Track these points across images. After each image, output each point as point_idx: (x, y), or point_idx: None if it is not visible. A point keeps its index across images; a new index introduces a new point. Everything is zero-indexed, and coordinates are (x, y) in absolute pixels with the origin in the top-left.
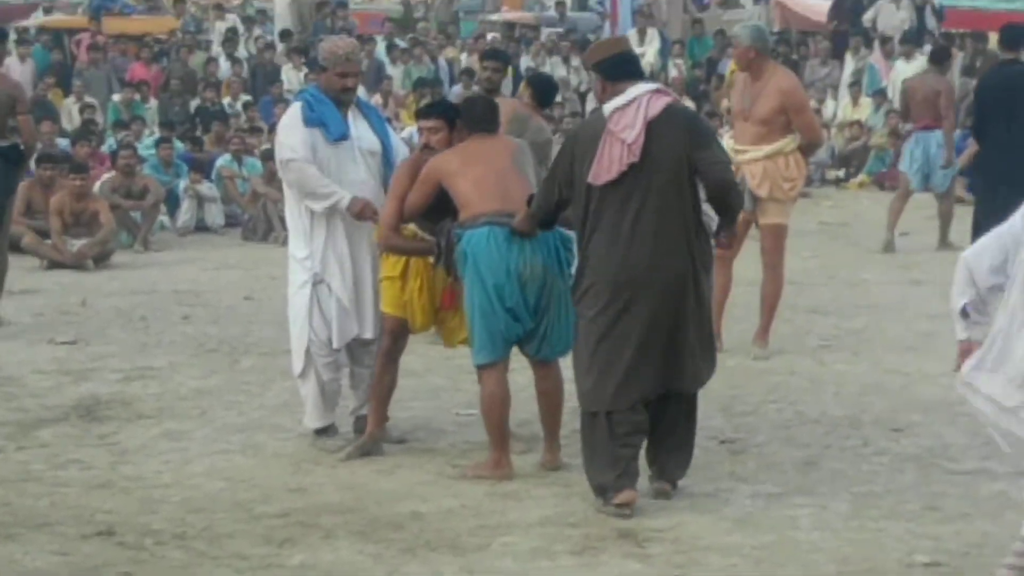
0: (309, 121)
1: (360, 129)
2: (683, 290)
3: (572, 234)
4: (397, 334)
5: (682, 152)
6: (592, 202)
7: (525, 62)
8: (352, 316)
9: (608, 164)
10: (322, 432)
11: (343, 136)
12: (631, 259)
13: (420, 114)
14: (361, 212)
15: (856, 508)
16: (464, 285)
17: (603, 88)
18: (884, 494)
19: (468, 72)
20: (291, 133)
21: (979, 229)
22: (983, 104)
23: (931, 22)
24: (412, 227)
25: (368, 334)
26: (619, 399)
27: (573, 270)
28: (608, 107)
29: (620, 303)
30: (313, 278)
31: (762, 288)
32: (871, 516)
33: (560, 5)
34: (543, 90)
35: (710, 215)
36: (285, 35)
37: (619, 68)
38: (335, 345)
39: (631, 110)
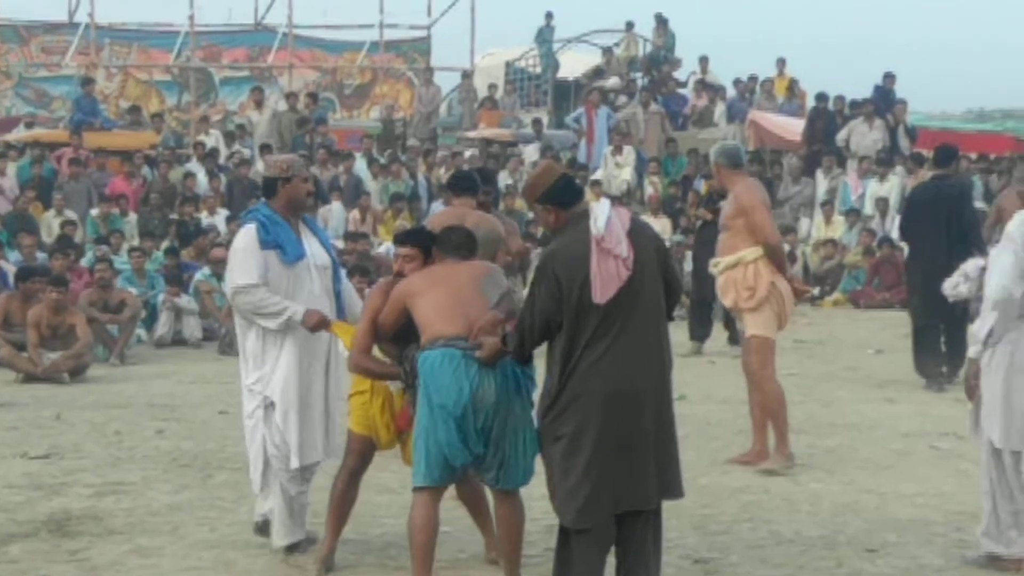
0: (265, 244)
1: (312, 246)
2: (663, 400)
3: None
4: (363, 453)
5: (656, 261)
6: (589, 319)
7: (503, 178)
8: (313, 435)
9: (608, 280)
10: (292, 548)
11: (299, 257)
12: (628, 370)
13: (397, 240)
14: (316, 324)
15: None
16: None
17: (556, 217)
18: None
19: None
20: (246, 258)
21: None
22: (912, 213)
23: (903, 142)
24: (375, 350)
25: (317, 457)
26: (596, 513)
27: (535, 396)
28: (585, 226)
29: (607, 414)
30: (263, 401)
31: (750, 405)
32: None
33: (536, 123)
34: (460, 183)
35: None
36: (265, 150)
37: (570, 191)
38: (293, 465)
39: (613, 226)
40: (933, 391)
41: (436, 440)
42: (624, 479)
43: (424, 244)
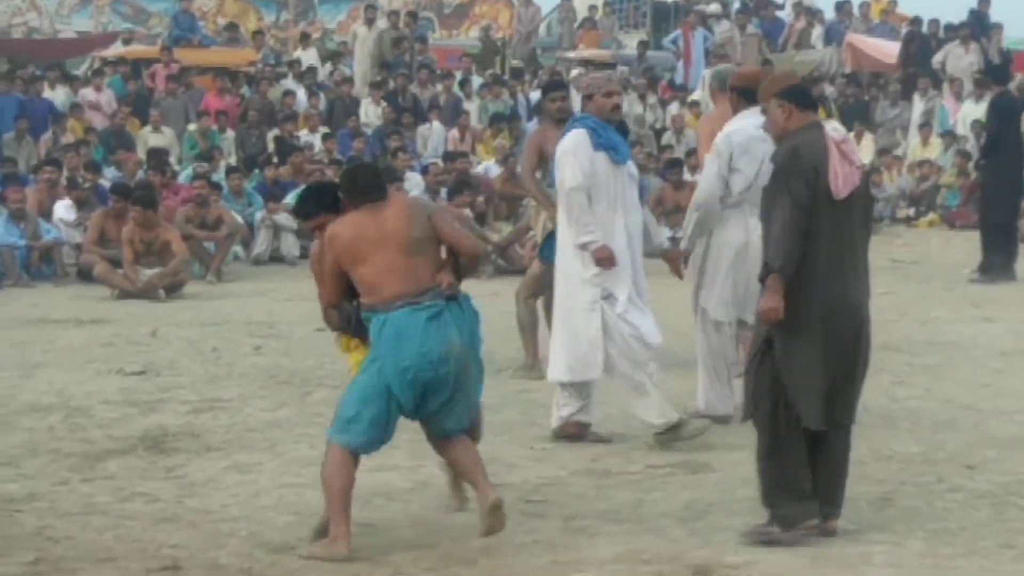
0: (598, 145)
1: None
2: (868, 318)
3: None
4: None
5: (864, 184)
6: (821, 219)
7: None
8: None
9: (844, 180)
10: (674, 429)
11: (626, 158)
12: (848, 281)
13: (297, 215)
14: (601, 260)
15: (931, 546)
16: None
17: (790, 116)
18: (958, 531)
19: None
20: (577, 159)
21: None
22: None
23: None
24: None
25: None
26: (824, 418)
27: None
28: (817, 134)
29: (837, 323)
30: (603, 292)
31: None
32: (945, 554)
33: (641, 44)
34: None
35: None
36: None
37: (808, 96)
38: (654, 341)
39: (848, 136)
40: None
41: (381, 409)
42: (846, 387)
43: (327, 205)
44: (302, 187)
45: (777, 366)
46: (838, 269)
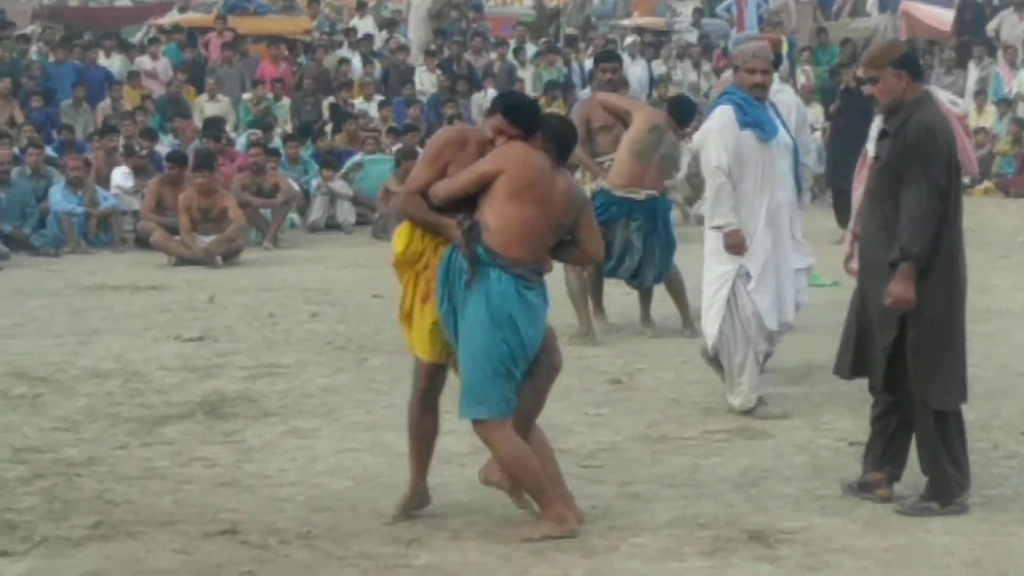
0: (743, 124)
1: (779, 127)
2: None
3: None
4: (430, 373)
5: None
6: (949, 200)
7: (656, 67)
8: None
9: (971, 154)
10: (759, 403)
11: (774, 135)
12: (965, 266)
13: (505, 107)
14: (731, 246)
15: (987, 512)
16: (475, 329)
17: (906, 86)
18: (1014, 498)
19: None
20: (722, 138)
21: None
22: None
23: None
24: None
25: (787, 317)
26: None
27: None
28: (942, 100)
29: (957, 308)
30: (739, 270)
31: None
32: (1001, 520)
33: (697, 11)
34: (684, 112)
35: None
36: (439, 35)
37: (920, 66)
38: (770, 325)
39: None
40: None
41: (509, 370)
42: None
43: (529, 127)
44: (355, 156)
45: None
46: (960, 250)
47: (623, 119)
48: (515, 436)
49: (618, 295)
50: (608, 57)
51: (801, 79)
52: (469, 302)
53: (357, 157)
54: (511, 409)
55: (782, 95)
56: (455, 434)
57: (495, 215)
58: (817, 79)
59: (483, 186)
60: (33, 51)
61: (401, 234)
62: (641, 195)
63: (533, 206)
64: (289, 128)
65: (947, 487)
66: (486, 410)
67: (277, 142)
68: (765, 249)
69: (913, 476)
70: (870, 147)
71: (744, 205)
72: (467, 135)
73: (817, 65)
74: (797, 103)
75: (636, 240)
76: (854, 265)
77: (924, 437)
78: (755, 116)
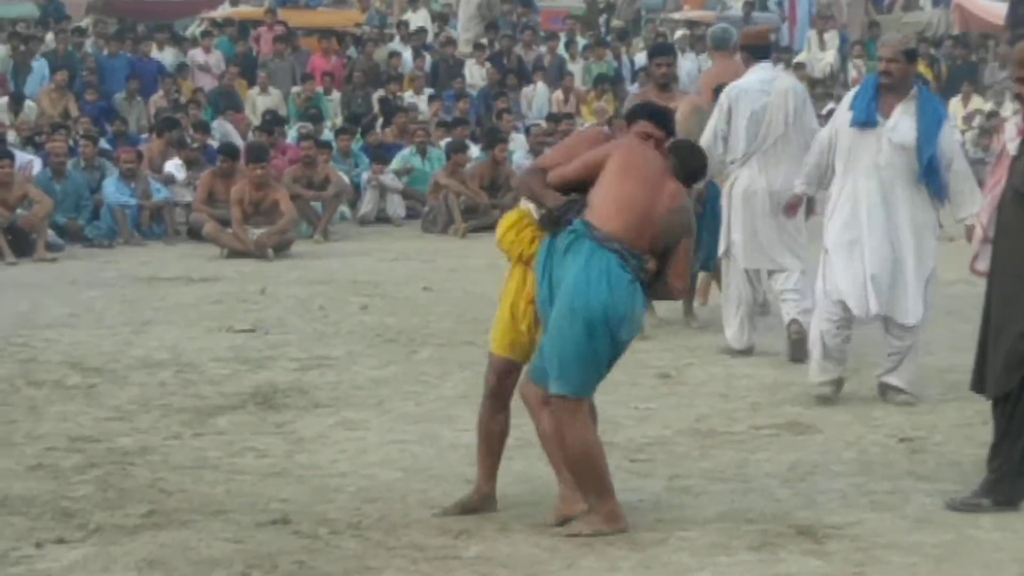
0: (849, 106)
1: (901, 122)
2: None
3: None
4: (503, 372)
5: None
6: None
7: (705, 61)
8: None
9: None
10: (826, 386)
11: (864, 123)
12: None
13: (652, 114)
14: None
15: None
16: (567, 304)
17: None
18: None
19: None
20: (839, 111)
21: None
22: None
23: None
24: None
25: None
26: None
27: None
28: None
29: None
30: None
31: None
32: None
33: (748, 5)
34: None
35: None
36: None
37: None
38: (854, 307)
39: None
40: None
41: (597, 350)
42: None
43: (663, 125)
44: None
45: None
46: None
47: None
48: (589, 422)
49: None
50: (663, 51)
51: (852, 73)
52: (567, 273)
53: (406, 152)
54: (589, 390)
55: (778, 82)
56: None
57: (598, 193)
58: (869, 73)
59: (593, 174)
60: (88, 44)
61: (503, 221)
62: None
63: (636, 182)
64: (340, 122)
65: (1009, 488)
66: (565, 385)
67: (328, 135)
68: (840, 226)
69: (960, 473)
70: (1011, 146)
71: (841, 181)
72: (606, 138)
73: (869, 59)
74: (793, 86)
75: None
76: (980, 265)
77: None
78: (857, 99)
